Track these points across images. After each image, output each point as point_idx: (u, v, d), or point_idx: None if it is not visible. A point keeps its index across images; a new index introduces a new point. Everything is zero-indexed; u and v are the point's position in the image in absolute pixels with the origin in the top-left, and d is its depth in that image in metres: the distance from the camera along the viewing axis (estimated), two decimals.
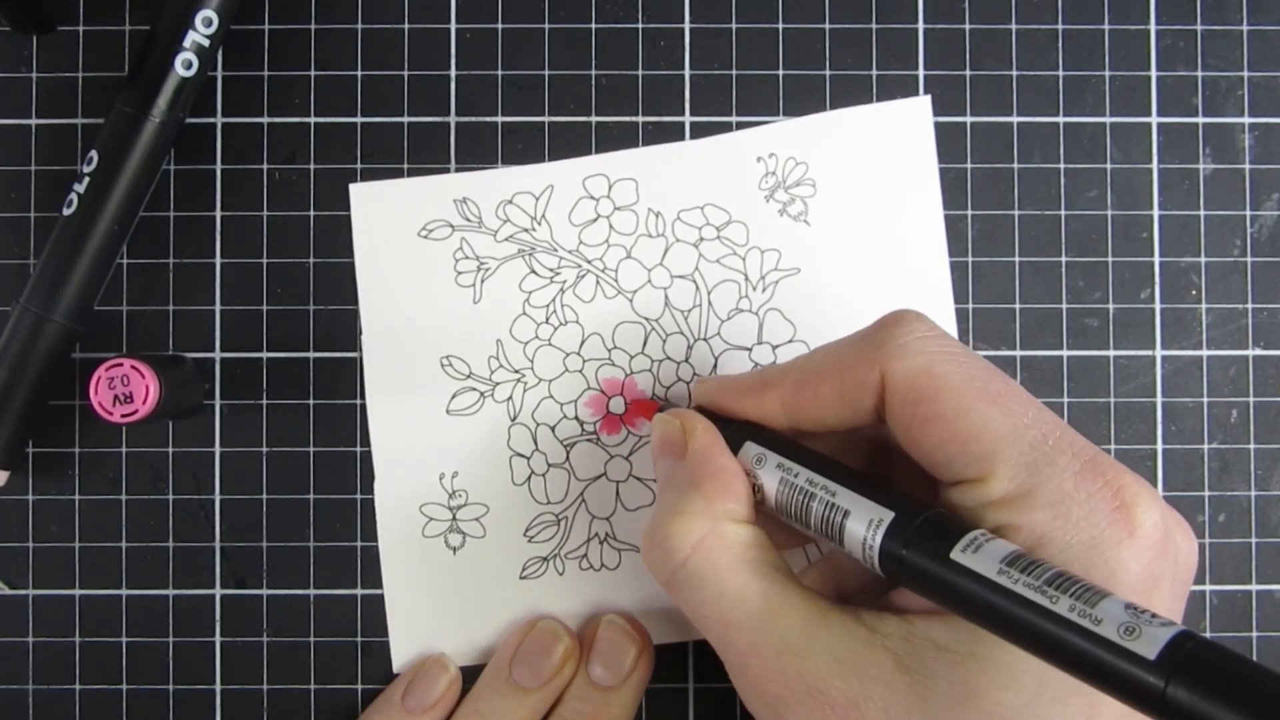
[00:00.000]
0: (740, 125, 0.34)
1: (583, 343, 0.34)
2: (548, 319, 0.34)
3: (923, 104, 0.34)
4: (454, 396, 0.34)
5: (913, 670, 0.24)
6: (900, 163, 0.34)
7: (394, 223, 0.34)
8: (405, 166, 0.34)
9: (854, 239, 0.34)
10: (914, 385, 0.25)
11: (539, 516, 0.34)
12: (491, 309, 0.34)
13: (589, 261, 0.34)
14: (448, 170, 0.34)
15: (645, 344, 0.34)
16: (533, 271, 0.34)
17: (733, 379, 0.29)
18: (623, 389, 0.34)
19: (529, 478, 0.34)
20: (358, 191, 0.34)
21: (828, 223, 0.34)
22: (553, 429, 0.34)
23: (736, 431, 0.29)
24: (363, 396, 0.34)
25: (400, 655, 0.33)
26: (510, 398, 0.34)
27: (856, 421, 0.27)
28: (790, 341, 0.34)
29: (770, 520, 0.28)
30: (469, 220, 0.34)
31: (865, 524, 0.25)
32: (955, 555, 0.23)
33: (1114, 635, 0.20)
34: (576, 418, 0.34)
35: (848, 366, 0.26)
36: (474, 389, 0.34)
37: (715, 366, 0.34)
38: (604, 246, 0.34)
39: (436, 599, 0.33)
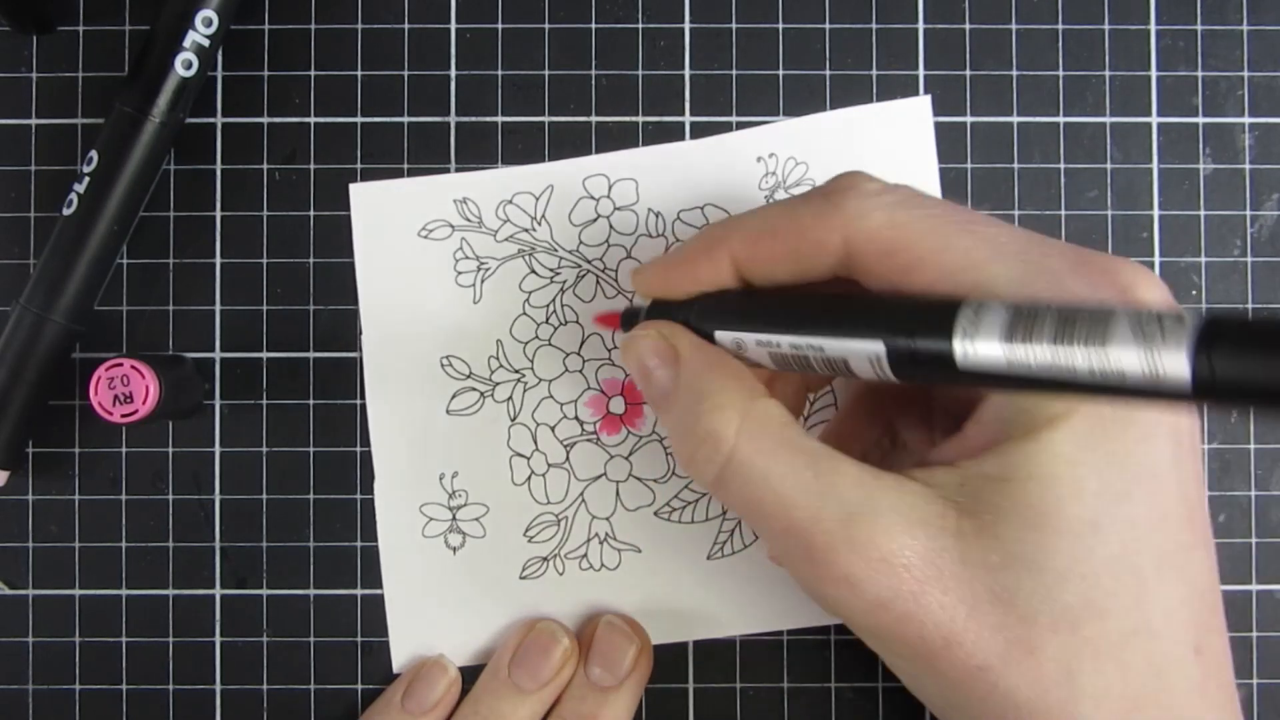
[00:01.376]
0: (740, 125, 0.34)
1: (583, 343, 0.34)
2: (548, 319, 0.34)
3: (923, 104, 0.34)
4: (454, 396, 0.34)
5: (978, 513, 0.23)
6: (900, 162, 0.34)
7: (394, 223, 0.34)
8: (405, 166, 0.34)
9: None
10: (882, 240, 0.25)
11: (539, 516, 0.34)
12: (492, 309, 0.34)
13: (589, 261, 0.34)
14: (448, 170, 0.34)
15: None
16: (533, 271, 0.34)
17: (672, 254, 0.29)
18: (623, 389, 0.34)
19: (529, 478, 0.34)
20: (358, 191, 0.34)
21: None
22: (553, 429, 0.34)
23: (699, 314, 0.28)
24: (363, 396, 0.34)
25: (400, 656, 0.33)
26: (510, 398, 0.34)
27: (810, 277, 0.27)
28: None
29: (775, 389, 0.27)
30: (469, 220, 0.34)
31: (865, 362, 0.24)
32: (960, 358, 0.22)
33: (1140, 372, 0.19)
34: (576, 418, 0.34)
35: (805, 228, 0.26)
36: (474, 389, 0.34)
37: None
38: (604, 247, 0.34)
39: (436, 599, 0.33)
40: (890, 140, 0.34)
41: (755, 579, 0.34)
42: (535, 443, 0.34)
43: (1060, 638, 0.23)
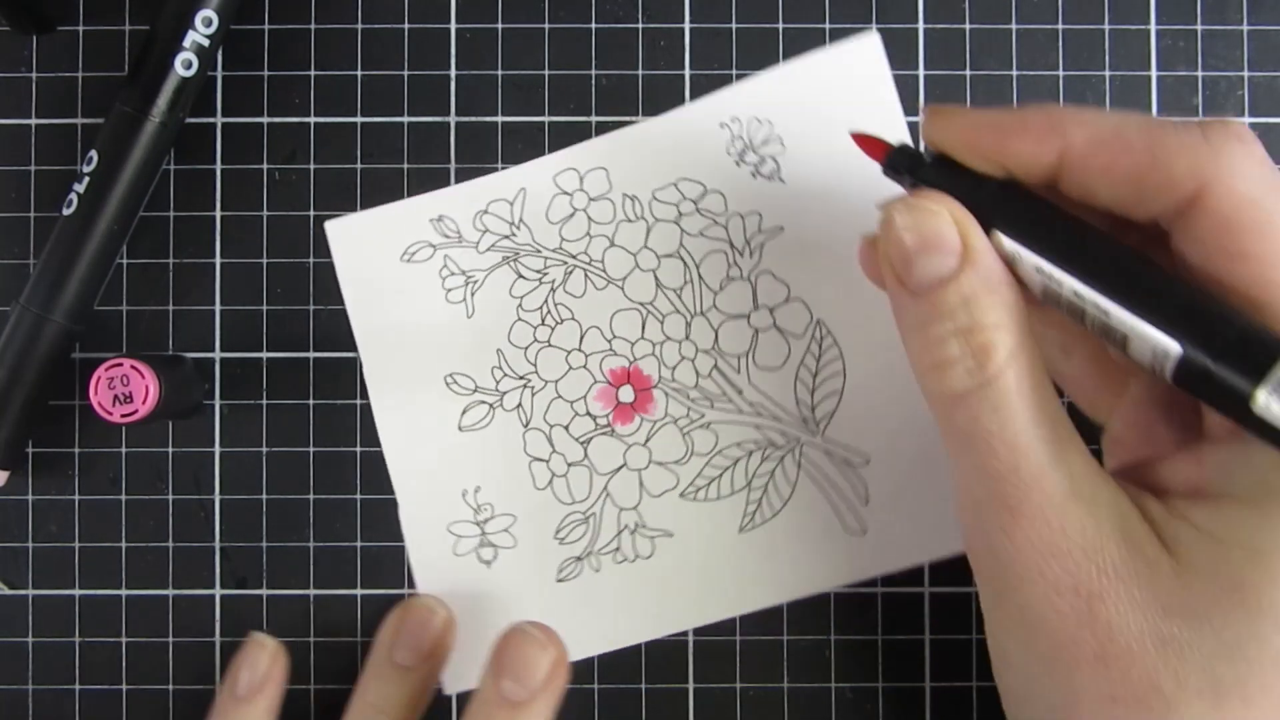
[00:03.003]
0: None
1: (582, 338, 0.34)
2: (543, 320, 0.34)
3: (872, 42, 0.34)
4: (464, 412, 0.34)
5: (1178, 555, 0.23)
6: (860, 104, 0.34)
7: (375, 252, 0.34)
8: (405, 167, 0.34)
9: (830, 189, 0.34)
10: (1238, 213, 0.22)
11: (567, 517, 0.34)
12: (486, 320, 0.34)
13: (574, 257, 0.34)
14: (447, 169, 0.34)
15: (644, 329, 0.34)
16: (520, 276, 0.34)
17: (990, 112, 0.25)
18: (629, 377, 0.34)
19: (551, 480, 0.34)
20: (334, 228, 0.34)
21: (802, 177, 0.34)
22: (566, 428, 0.34)
23: (989, 199, 0.25)
24: (363, 396, 0.34)
25: (450, 678, 0.33)
26: (520, 404, 0.34)
27: (1133, 212, 0.24)
28: (786, 301, 0.34)
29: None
30: (448, 237, 0.34)
31: (1148, 351, 0.22)
32: (1260, 405, 0.20)
33: None
34: (588, 413, 0.34)
35: (1164, 156, 0.23)
36: (482, 401, 0.34)
37: (716, 338, 0.34)
38: (586, 239, 0.34)
39: (476, 614, 0.33)
40: (847, 83, 0.34)
41: (791, 544, 0.33)
42: (551, 445, 0.34)
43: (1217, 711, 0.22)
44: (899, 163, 0.27)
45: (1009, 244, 0.24)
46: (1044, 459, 0.23)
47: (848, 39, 0.34)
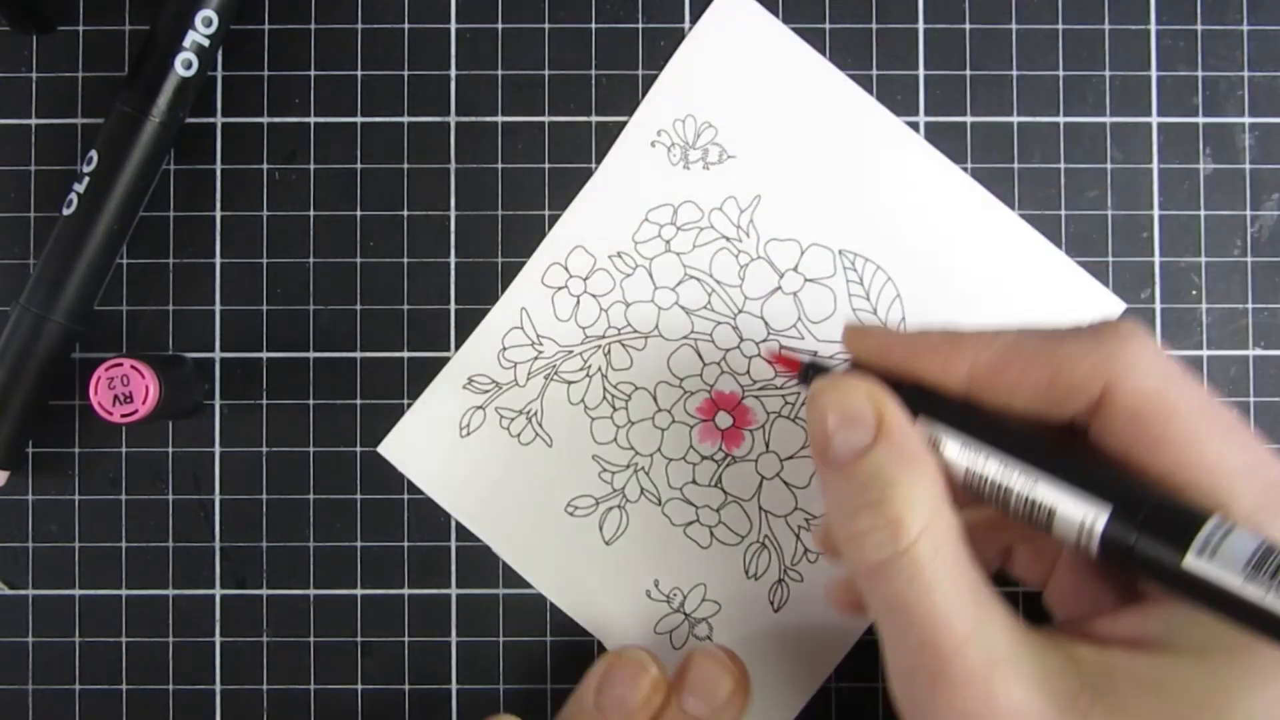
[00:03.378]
0: None
1: (654, 398, 0.34)
2: (613, 406, 0.34)
3: None
4: (601, 527, 0.34)
5: (1110, 706, 0.23)
6: (755, 49, 0.34)
7: (433, 445, 0.34)
8: (405, 167, 0.34)
9: (776, 136, 0.34)
10: (1146, 406, 0.24)
11: (747, 553, 0.34)
12: (566, 438, 0.34)
13: (601, 337, 0.34)
14: (448, 169, 0.34)
15: (700, 355, 0.34)
16: (569, 383, 0.34)
17: (908, 335, 0.27)
18: (715, 405, 0.34)
19: (711, 537, 0.34)
20: (388, 448, 0.34)
21: (748, 142, 0.34)
22: (694, 481, 0.34)
23: (910, 395, 0.26)
24: (364, 397, 0.34)
25: None
26: (643, 490, 0.34)
27: (1045, 416, 0.25)
28: (802, 253, 0.34)
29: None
30: (487, 390, 0.34)
31: (1076, 523, 0.23)
32: (1190, 564, 0.21)
33: None
34: (704, 457, 0.34)
35: (1066, 365, 0.25)
36: (611, 508, 0.34)
37: (765, 322, 0.34)
38: (602, 316, 0.34)
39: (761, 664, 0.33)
40: (735, 40, 0.34)
41: None
42: (692, 503, 0.34)
43: None
44: (814, 371, 0.28)
45: (931, 431, 0.25)
46: (966, 627, 0.23)
47: (712, 3, 0.34)
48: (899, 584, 0.24)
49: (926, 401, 0.26)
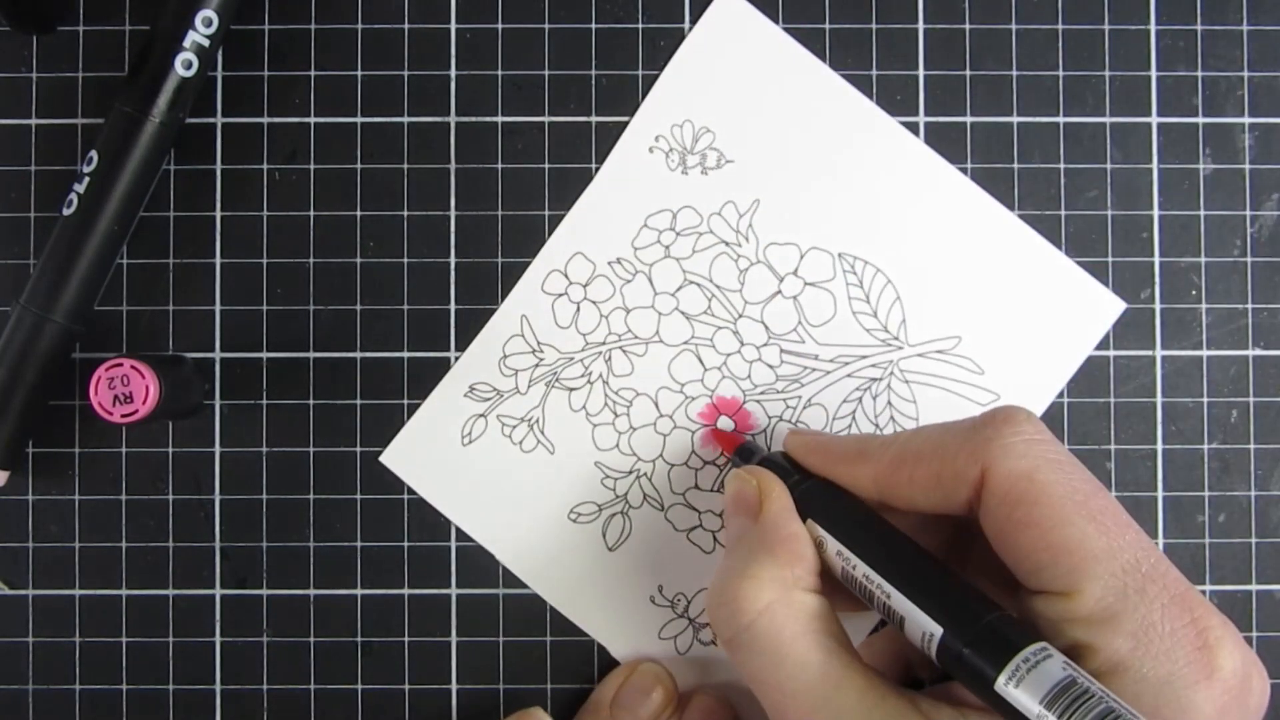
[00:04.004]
0: None
1: (656, 404, 0.34)
2: (614, 413, 0.34)
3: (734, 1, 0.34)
4: (604, 534, 0.34)
5: None
6: (751, 52, 0.34)
7: (435, 453, 0.34)
8: (405, 167, 0.34)
9: (773, 140, 0.34)
10: (1014, 488, 0.25)
11: None
12: (567, 444, 0.34)
13: (603, 343, 0.34)
14: (448, 168, 0.34)
15: (702, 360, 0.34)
16: (570, 390, 0.34)
17: (829, 441, 0.30)
18: (717, 410, 0.34)
19: (715, 542, 0.34)
20: (390, 457, 0.34)
21: (745, 147, 0.34)
22: (697, 486, 0.34)
23: (809, 493, 0.29)
24: (363, 397, 0.34)
25: None
26: (645, 496, 0.34)
27: (947, 509, 0.27)
28: (801, 257, 0.34)
29: (836, 582, 0.28)
30: (489, 398, 0.34)
31: (919, 632, 0.25)
32: (1000, 685, 0.23)
33: None
34: (706, 462, 0.34)
35: (949, 456, 0.26)
36: (615, 514, 0.34)
37: (766, 327, 0.34)
38: (603, 322, 0.34)
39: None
40: (733, 44, 0.34)
41: None
42: (694, 508, 0.34)
43: None
44: (743, 454, 0.32)
45: (818, 530, 0.28)
46: (813, 696, 0.25)
47: (708, 8, 0.34)
48: (745, 656, 0.26)
49: (827, 504, 0.28)
